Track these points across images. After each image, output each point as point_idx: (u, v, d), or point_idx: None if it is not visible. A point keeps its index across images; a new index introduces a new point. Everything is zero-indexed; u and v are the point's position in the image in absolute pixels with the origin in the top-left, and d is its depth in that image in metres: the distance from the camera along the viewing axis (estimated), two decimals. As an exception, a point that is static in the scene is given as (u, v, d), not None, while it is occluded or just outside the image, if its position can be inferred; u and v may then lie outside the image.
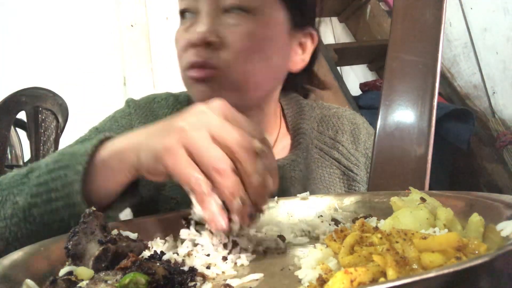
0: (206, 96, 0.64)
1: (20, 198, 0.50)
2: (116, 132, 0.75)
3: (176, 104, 0.80)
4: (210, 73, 0.64)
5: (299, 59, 0.73)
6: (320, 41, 0.84)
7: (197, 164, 0.43)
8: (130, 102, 0.81)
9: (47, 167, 0.51)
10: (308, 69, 0.80)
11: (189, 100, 0.81)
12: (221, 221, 0.41)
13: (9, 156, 1.84)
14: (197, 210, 0.42)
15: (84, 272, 0.35)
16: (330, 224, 0.50)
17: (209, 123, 0.44)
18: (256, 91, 0.69)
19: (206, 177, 0.42)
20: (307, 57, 0.74)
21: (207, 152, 0.42)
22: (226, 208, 0.42)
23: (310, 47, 0.74)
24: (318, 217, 0.52)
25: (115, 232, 0.43)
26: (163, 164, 0.44)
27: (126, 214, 0.62)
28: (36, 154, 1.68)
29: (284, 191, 0.71)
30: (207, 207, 0.42)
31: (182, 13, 0.68)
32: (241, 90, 0.67)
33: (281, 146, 0.79)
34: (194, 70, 0.65)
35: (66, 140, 1.77)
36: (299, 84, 0.85)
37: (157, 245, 0.47)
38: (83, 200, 0.48)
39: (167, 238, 0.49)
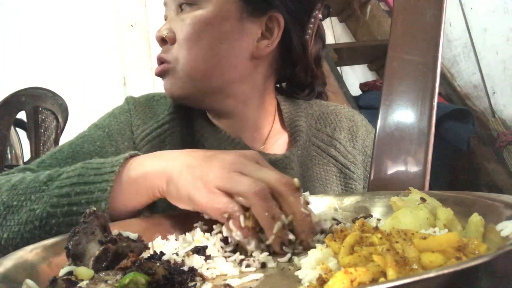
0: (168, 90, 0.72)
1: (38, 206, 0.50)
2: (116, 128, 0.76)
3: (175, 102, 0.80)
4: (163, 67, 0.71)
5: (263, 45, 0.72)
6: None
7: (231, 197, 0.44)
8: (129, 99, 0.82)
9: (70, 180, 0.51)
10: (305, 63, 0.80)
11: None
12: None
13: (9, 156, 1.84)
14: (235, 235, 0.43)
15: (84, 272, 0.35)
16: (332, 225, 0.50)
17: (243, 166, 0.46)
18: (213, 78, 0.71)
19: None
20: (275, 41, 0.73)
21: (243, 182, 0.44)
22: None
23: (276, 31, 0.73)
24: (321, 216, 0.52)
25: (115, 232, 0.43)
26: (195, 202, 0.46)
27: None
28: (36, 154, 1.68)
29: None
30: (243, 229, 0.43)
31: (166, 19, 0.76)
32: (195, 79, 0.70)
33: (277, 143, 0.79)
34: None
35: (66, 140, 1.77)
36: (303, 83, 0.85)
37: (159, 246, 0.46)
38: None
39: (168, 237, 0.49)
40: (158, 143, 0.74)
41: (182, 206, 0.48)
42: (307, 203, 0.45)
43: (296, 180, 0.45)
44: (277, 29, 0.73)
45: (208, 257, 0.42)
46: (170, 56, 0.71)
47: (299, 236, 0.43)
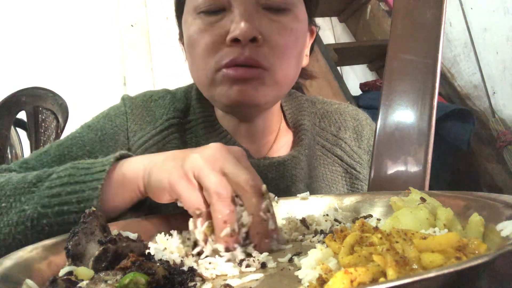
0: (247, 95, 0.63)
1: (29, 207, 0.50)
2: (110, 132, 0.73)
3: (174, 102, 0.78)
4: (257, 73, 0.63)
5: (304, 53, 0.74)
6: (320, 41, 0.84)
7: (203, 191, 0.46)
8: (126, 100, 0.78)
9: (61, 180, 0.51)
10: None
11: (186, 98, 0.79)
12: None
13: (9, 156, 1.84)
14: (197, 233, 0.45)
15: (84, 272, 0.35)
16: (333, 225, 0.50)
17: (223, 160, 0.46)
18: (287, 87, 0.70)
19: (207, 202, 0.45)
20: (308, 52, 0.75)
21: (212, 178, 0.45)
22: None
23: (309, 42, 0.75)
24: (324, 215, 0.52)
25: (115, 232, 0.43)
26: (174, 189, 0.46)
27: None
28: (36, 154, 1.67)
29: (285, 189, 0.71)
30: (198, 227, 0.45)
31: (202, 9, 0.65)
32: (280, 87, 0.67)
33: (283, 143, 0.78)
34: (236, 68, 0.62)
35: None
36: None
37: (162, 242, 0.46)
38: None
39: (171, 232, 0.49)
40: (156, 150, 0.71)
41: (163, 196, 0.49)
42: (268, 210, 0.45)
43: (264, 186, 0.46)
44: (310, 38, 0.75)
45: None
46: (264, 60, 0.63)
47: (253, 238, 0.44)
